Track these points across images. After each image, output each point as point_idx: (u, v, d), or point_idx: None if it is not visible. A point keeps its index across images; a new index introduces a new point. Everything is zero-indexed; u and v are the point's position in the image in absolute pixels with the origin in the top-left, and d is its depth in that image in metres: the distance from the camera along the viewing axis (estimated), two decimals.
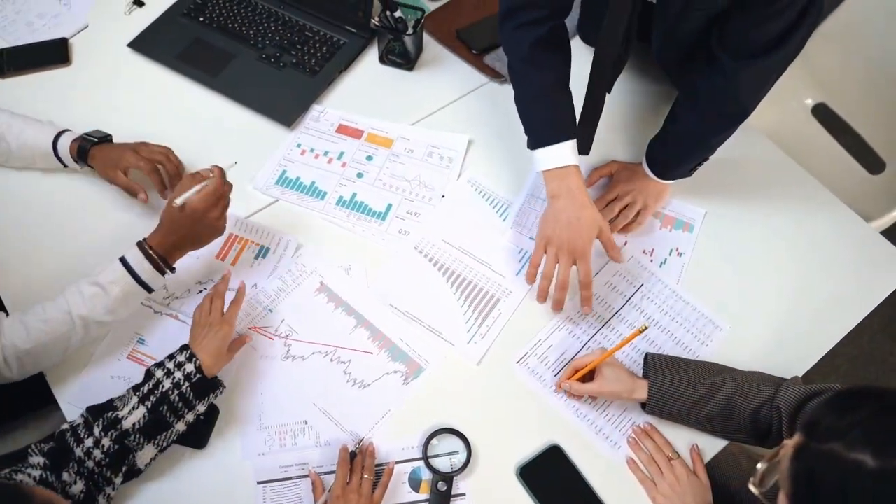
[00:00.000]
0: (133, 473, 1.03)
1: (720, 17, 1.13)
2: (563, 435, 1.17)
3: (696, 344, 1.26)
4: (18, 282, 1.27)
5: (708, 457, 1.16)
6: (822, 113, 1.87)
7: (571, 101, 1.26)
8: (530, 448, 1.15)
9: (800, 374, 1.20)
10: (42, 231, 1.33)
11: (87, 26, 1.59)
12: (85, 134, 1.33)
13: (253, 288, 1.28)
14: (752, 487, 0.80)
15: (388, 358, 1.22)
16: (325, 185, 1.40)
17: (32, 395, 1.14)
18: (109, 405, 1.03)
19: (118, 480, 1.01)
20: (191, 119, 1.47)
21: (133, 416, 1.01)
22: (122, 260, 1.13)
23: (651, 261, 1.34)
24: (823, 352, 1.26)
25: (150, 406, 1.02)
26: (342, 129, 1.47)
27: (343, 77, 1.55)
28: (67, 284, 1.13)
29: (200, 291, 1.27)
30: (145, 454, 1.03)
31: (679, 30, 1.20)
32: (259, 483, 1.12)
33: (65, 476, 0.96)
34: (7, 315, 1.11)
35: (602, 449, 1.16)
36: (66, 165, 1.33)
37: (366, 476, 1.08)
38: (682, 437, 1.17)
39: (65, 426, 1.01)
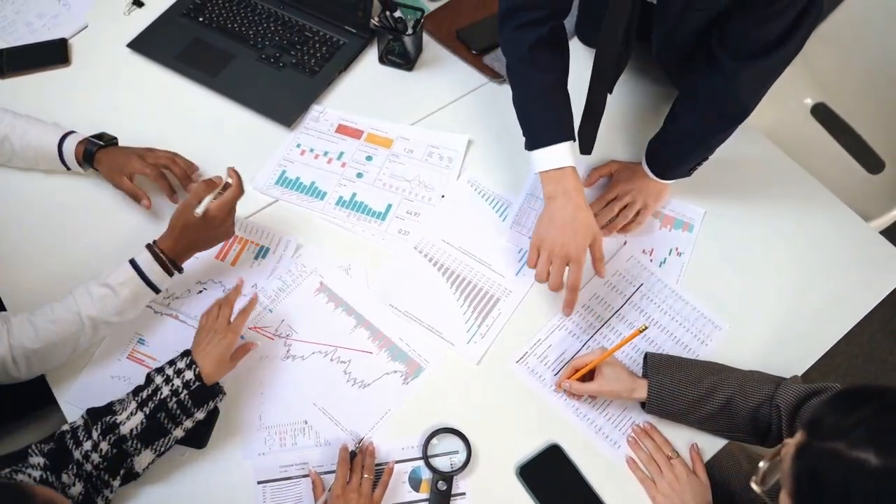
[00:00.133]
0: (131, 477, 1.03)
1: (720, 18, 1.13)
2: (563, 434, 1.17)
3: (695, 343, 1.26)
4: (19, 282, 1.27)
5: (707, 456, 1.16)
6: (822, 113, 1.87)
7: (569, 102, 1.26)
8: (530, 447, 1.16)
9: (799, 374, 1.20)
10: (44, 232, 1.33)
11: (86, 26, 1.59)
12: (91, 137, 1.33)
13: (253, 288, 1.28)
14: (754, 486, 0.80)
15: (387, 358, 1.22)
16: (325, 186, 1.40)
17: (33, 394, 1.14)
18: (109, 409, 1.03)
19: (116, 483, 1.01)
20: (190, 119, 1.47)
21: (131, 421, 1.01)
22: (132, 262, 1.14)
23: (651, 260, 1.34)
24: (823, 351, 1.26)
25: (147, 412, 1.02)
26: (342, 130, 1.47)
27: (343, 77, 1.55)
28: (74, 285, 1.13)
29: (200, 291, 1.27)
30: (143, 459, 1.02)
31: (679, 30, 1.20)
32: (259, 483, 1.12)
33: (64, 478, 0.96)
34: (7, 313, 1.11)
35: (602, 448, 1.16)
36: (68, 168, 1.33)
37: (366, 475, 1.08)
38: (681, 437, 1.17)
39: (65, 427, 1.02)
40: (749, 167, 1.45)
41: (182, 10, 1.60)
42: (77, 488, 0.97)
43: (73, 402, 1.16)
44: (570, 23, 1.45)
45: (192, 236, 1.16)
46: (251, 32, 1.57)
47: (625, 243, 1.36)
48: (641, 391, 1.13)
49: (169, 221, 1.17)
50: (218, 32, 1.58)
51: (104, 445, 0.99)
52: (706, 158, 1.33)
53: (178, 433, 1.04)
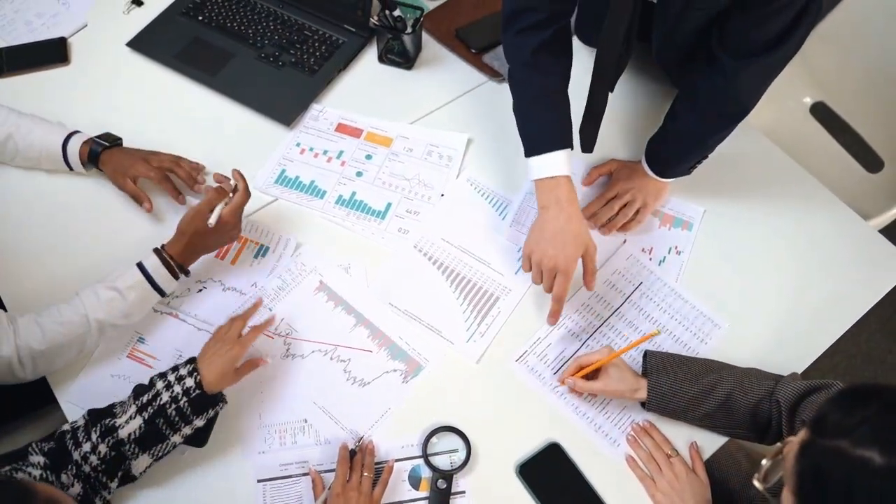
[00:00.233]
0: (128, 479, 1.03)
1: (720, 17, 1.13)
2: (563, 433, 1.17)
3: (695, 342, 1.26)
4: (21, 281, 1.28)
5: (707, 455, 1.17)
6: (821, 112, 1.87)
7: (569, 108, 1.25)
8: (530, 446, 1.16)
9: (798, 372, 1.20)
10: (45, 231, 1.33)
11: (85, 25, 1.59)
12: (96, 137, 1.33)
13: (252, 287, 1.28)
14: (756, 483, 0.80)
15: (387, 356, 1.22)
16: (325, 184, 1.40)
17: (33, 394, 1.15)
18: (109, 411, 1.03)
19: (113, 485, 1.01)
20: (190, 118, 1.47)
21: (129, 425, 1.01)
22: (140, 266, 1.15)
23: (650, 259, 1.34)
24: (822, 350, 1.26)
25: (146, 417, 1.02)
26: (341, 128, 1.47)
27: (342, 76, 1.55)
28: (81, 287, 1.14)
29: (200, 290, 1.27)
30: (140, 463, 1.02)
31: (679, 30, 1.20)
32: (259, 481, 1.12)
33: (63, 478, 0.96)
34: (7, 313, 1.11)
35: (601, 447, 1.16)
36: (71, 168, 1.33)
37: (366, 474, 1.08)
38: (681, 435, 1.17)
39: (65, 427, 1.02)
40: (748, 166, 1.46)
41: (181, 9, 1.60)
42: (76, 489, 0.97)
43: (74, 401, 1.16)
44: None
45: (200, 242, 1.19)
46: (250, 31, 1.57)
47: (624, 242, 1.36)
48: (644, 391, 1.14)
49: (177, 226, 1.18)
50: (217, 31, 1.58)
51: (102, 448, 0.99)
52: (706, 157, 1.33)
53: (177, 439, 1.04)
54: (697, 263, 1.34)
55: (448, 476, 1.11)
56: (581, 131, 1.31)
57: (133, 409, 1.02)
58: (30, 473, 0.93)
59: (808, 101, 1.88)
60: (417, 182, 1.41)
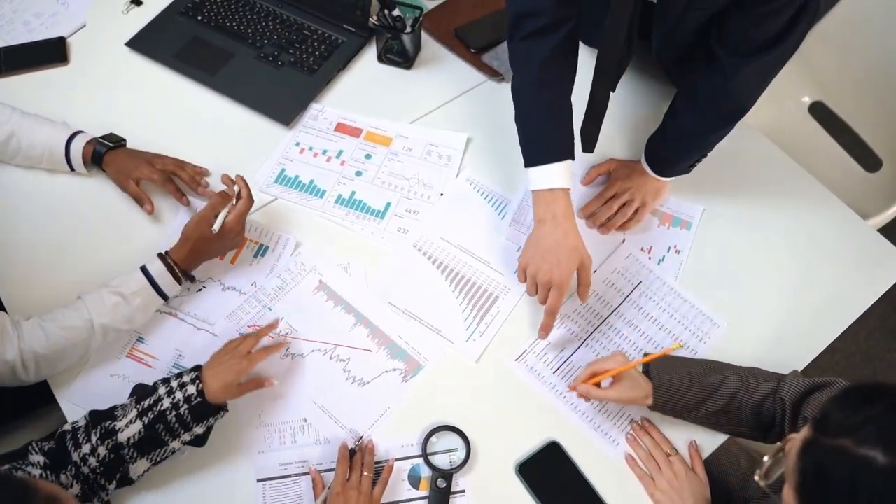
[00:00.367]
0: (126, 482, 1.03)
1: (719, 16, 1.13)
2: (562, 432, 1.17)
3: (694, 341, 1.26)
4: (21, 281, 1.28)
5: (706, 453, 1.17)
6: (819, 111, 1.87)
7: (571, 118, 1.24)
8: (529, 445, 1.16)
9: (798, 371, 1.21)
10: (46, 231, 1.33)
11: (84, 25, 1.59)
12: (100, 138, 1.33)
13: (252, 286, 1.28)
14: (757, 479, 0.80)
15: (387, 356, 1.23)
16: (324, 184, 1.40)
17: (33, 394, 1.15)
18: (110, 413, 1.03)
19: (111, 487, 1.01)
20: (189, 118, 1.47)
21: (129, 429, 1.01)
22: (144, 271, 1.15)
23: (649, 258, 1.34)
24: (821, 348, 1.26)
25: (146, 422, 1.02)
26: (341, 128, 1.48)
27: (341, 76, 1.55)
28: (84, 291, 1.14)
29: (200, 290, 1.27)
30: (138, 467, 1.02)
31: (679, 29, 1.20)
32: (259, 481, 1.12)
33: (63, 478, 0.96)
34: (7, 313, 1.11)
35: (601, 446, 1.17)
36: (72, 169, 1.33)
37: (365, 473, 1.08)
38: (680, 434, 1.17)
39: (66, 427, 1.02)
40: (747, 165, 1.46)
41: (180, 9, 1.60)
42: (75, 489, 0.97)
43: (73, 401, 1.16)
44: None
45: (205, 247, 1.20)
46: (250, 31, 1.57)
47: (623, 241, 1.36)
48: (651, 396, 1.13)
49: (181, 232, 1.19)
50: (216, 31, 1.58)
51: (102, 450, 0.99)
52: (705, 155, 1.33)
53: (176, 445, 1.04)
54: (696, 262, 1.34)
55: (448, 475, 1.11)
56: (582, 131, 1.31)
57: (134, 413, 1.02)
58: (29, 473, 0.93)
59: (807, 100, 1.88)
60: (417, 181, 1.41)
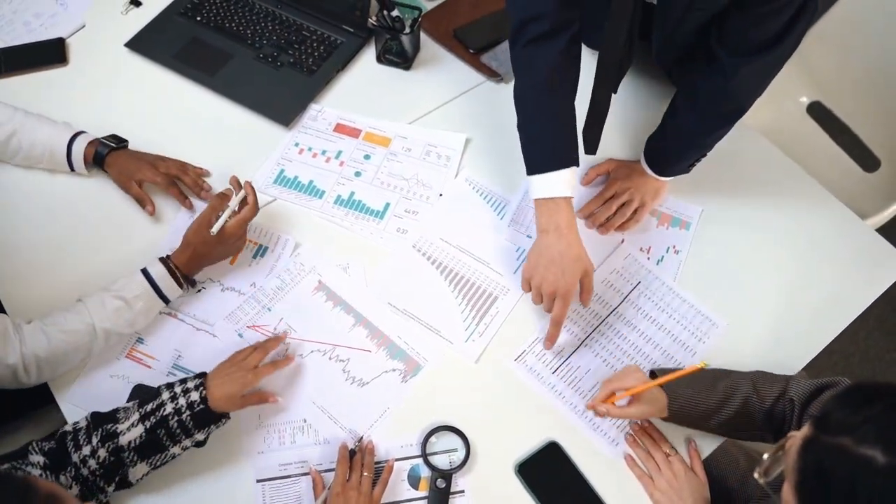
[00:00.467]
0: (125, 485, 1.03)
1: (719, 17, 1.13)
2: (561, 432, 1.17)
3: (693, 341, 1.26)
4: (20, 281, 1.28)
5: (705, 453, 1.17)
6: (818, 111, 1.87)
7: (575, 124, 1.24)
8: (528, 445, 1.16)
9: (796, 371, 1.21)
10: (45, 231, 1.33)
11: (83, 26, 1.59)
12: (103, 139, 1.33)
13: (251, 287, 1.28)
14: (757, 477, 0.80)
15: (386, 356, 1.23)
16: (323, 184, 1.40)
17: (33, 394, 1.15)
18: (112, 415, 1.03)
19: (110, 489, 1.01)
20: (188, 118, 1.48)
21: (131, 433, 1.01)
22: (146, 275, 1.16)
23: (648, 258, 1.35)
24: (820, 348, 1.27)
25: (148, 427, 1.01)
26: (340, 129, 1.48)
27: (340, 76, 1.55)
28: (84, 294, 1.14)
29: (199, 290, 1.27)
30: (137, 471, 1.03)
31: (679, 30, 1.20)
32: (258, 481, 1.12)
33: (62, 479, 0.96)
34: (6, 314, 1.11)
35: (600, 446, 1.17)
36: (73, 169, 1.33)
37: (365, 474, 1.08)
38: (679, 434, 1.17)
39: (67, 427, 1.02)
40: (746, 165, 1.46)
41: (179, 10, 1.60)
42: (74, 490, 0.97)
43: (73, 402, 1.16)
44: None
45: (206, 252, 1.20)
46: (249, 32, 1.57)
47: (622, 241, 1.36)
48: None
49: (183, 236, 1.20)
50: (215, 32, 1.58)
51: (102, 452, 0.99)
52: (704, 155, 1.33)
53: (176, 451, 1.04)
54: (695, 262, 1.34)
55: (447, 475, 1.11)
56: (584, 133, 1.30)
57: (136, 416, 1.02)
58: (29, 473, 0.93)
59: (805, 100, 1.89)
60: (416, 182, 1.41)
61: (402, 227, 1.36)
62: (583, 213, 1.38)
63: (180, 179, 1.34)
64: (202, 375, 1.08)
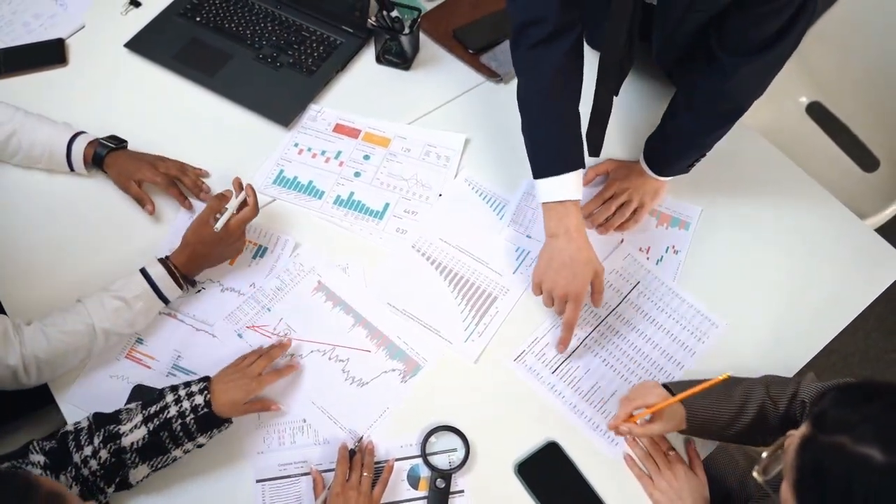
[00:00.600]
0: (125, 486, 1.04)
1: (719, 17, 1.13)
2: (561, 432, 1.17)
3: (692, 341, 1.26)
4: (19, 283, 1.28)
5: (704, 453, 1.17)
6: (817, 111, 1.87)
7: (580, 126, 1.24)
8: (528, 445, 1.16)
9: (795, 371, 1.21)
10: (44, 232, 1.33)
11: (83, 26, 1.59)
12: (102, 139, 1.34)
13: (251, 287, 1.28)
14: (755, 475, 0.80)
15: (386, 356, 1.23)
16: (323, 185, 1.40)
17: (33, 394, 1.15)
18: (115, 416, 1.03)
19: (110, 490, 1.02)
20: (188, 119, 1.48)
21: (133, 434, 1.01)
22: (146, 275, 1.16)
23: (647, 258, 1.35)
24: (819, 348, 1.27)
25: (151, 429, 1.02)
26: (339, 129, 1.48)
27: (340, 77, 1.55)
28: (84, 294, 1.14)
29: (199, 291, 1.27)
30: (139, 472, 1.03)
31: (679, 30, 1.20)
32: (258, 481, 1.12)
33: (62, 479, 0.96)
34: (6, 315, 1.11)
35: (599, 445, 1.17)
36: (72, 169, 1.33)
37: (365, 474, 1.08)
38: (678, 434, 1.17)
39: (69, 427, 1.02)
40: (745, 165, 1.46)
41: (179, 10, 1.60)
42: (73, 491, 0.97)
43: (73, 402, 1.16)
44: None
45: (205, 252, 1.20)
46: (248, 32, 1.58)
47: (622, 241, 1.36)
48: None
49: (182, 237, 1.20)
50: (215, 32, 1.58)
51: (104, 453, 0.99)
52: (703, 155, 1.33)
53: (178, 454, 1.04)
54: (694, 262, 1.34)
55: (447, 475, 1.11)
56: (587, 135, 1.30)
57: (139, 418, 1.02)
58: (30, 471, 0.93)
59: (805, 100, 1.89)
60: (415, 182, 1.41)
61: (402, 227, 1.36)
62: (582, 213, 1.37)
63: (180, 180, 1.34)
64: (206, 379, 1.08)
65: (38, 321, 1.11)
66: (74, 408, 1.15)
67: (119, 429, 1.01)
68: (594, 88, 1.24)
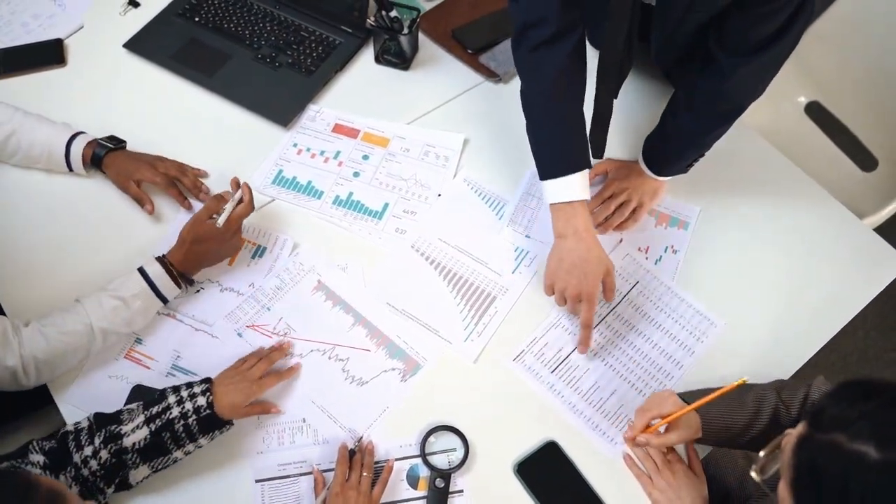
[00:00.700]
0: (124, 486, 1.03)
1: (718, 17, 1.13)
2: (560, 431, 1.17)
3: (691, 340, 1.26)
4: (19, 283, 1.28)
5: (704, 452, 1.17)
6: (816, 111, 1.88)
7: (585, 128, 1.25)
8: (527, 444, 1.16)
9: (794, 370, 1.21)
10: (43, 232, 1.33)
11: (82, 27, 1.59)
12: (101, 140, 1.34)
13: (250, 287, 1.28)
14: (753, 475, 0.80)
15: (385, 355, 1.23)
16: (322, 185, 1.40)
17: (32, 394, 1.15)
18: (116, 417, 1.03)
19: (109, 491, 1.01)
20: (187, 119, 1.48)
21: (135, 435, 1.01)
22: (143, 273, 1.16)
23: (646, 258, 1.35)
24: (817, 347, 1.27)
25: (153, 429, 1.02)
26: (338, 129, 1.48)
27: (339, 77, 1.55)
28: (82, 294, 1.14)
29: (198, 291, 1.27)
30: (139, 473, 1.03)
31: (679, 31, 1.20)
32: (257, 481, 1.12)
33: (62, 479, 0.96)
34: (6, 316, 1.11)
35: (599, 445, 1.17)
36: (71, 170, 1.33)
37: (365, 474, 1.08)
38: None
39: (69, 427, 1.02)
40: (744, 165, 1.46)
41: (178, 10, 1.60)
42: (73, 490, 0.97)
43: (72, 403, 1.16)
44: None
45: (201, 249, 1.19)
46: (247, 32, 1.58)
47: (620, 241, 1.36)
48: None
49: (178, 235, 1.20)
50: (214, 32, 1.58)
51: (104, 454, 0.99)
52: (702, 155, 1.33)
53: (179, 455, 1.04)
54: (693, 262, 1.34)
55: (446, 475, 1.12)
56: (590, 138, 1.30)
57: (141, 418, 1.02)
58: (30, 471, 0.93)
59: (803, 100, 1.89)
60: (414, 182, 1.41)
61: (401, 227, 1.36)
62: None
63: (179, 180, 1.34)
64: (207, 381, 1.09)
65: (36, 322, 1.11)
66: (74, 408, 1.15)
67: (120, 429, 1.00)
68: (595, 91, 1.24)
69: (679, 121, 1.29)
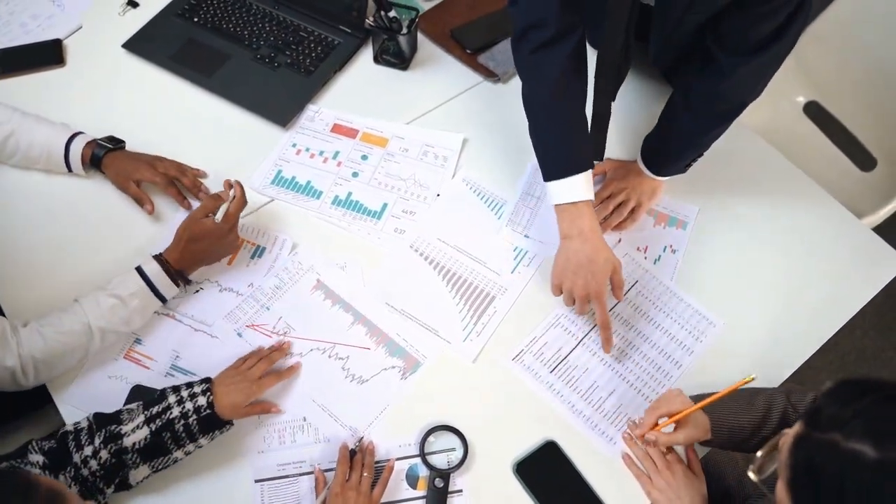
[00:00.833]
0: (124, 487, 1.03)
1: (717, 17, 1.14)
2: (559, 431, 1.17)
3: (690, 340, 1.27)
4: (18, 283, 1.27)
5: (703, 452, 1.17)
6: (814, 111, 1.88)
7: (587, 128, 1.25)
8: (526, 444, 1.16)
9: (793, 370, 1.21)
10: (43, 232, 1.33)
11: (80, 27, 1.59)
12: (99, 140, 1.34)
13: (249, 287, 1.28)
14: (751, 474, 0.80)
15: (385, 353, 1.23)
16: (321, 185, 1.40)
17: (32, 394, 1.15)
18: (116, 417, 1.03)
19: (109, 491, 1.01)
20: (186, 119, 1.48)
21: (135, 435, 1.01)
22: (141, 272, 1.16)
23: (645, 258, 1.35)
24: (816, 347, 1.27)
25: (153, 429, 1.02)
26: (337, 129, 1.48)
27: (338, 77, 1.55)
28: (81, 294, 1.14)
29: (197, 291, 1.27)
30: (139, 473, 1.03)
31: (678, 32, 1.20)
32: (257, 481, 1.12)
33: (61, 479, 0.96)
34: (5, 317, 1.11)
35: (598, 444, 1.17)
36: (70, 170, 1.33)
37: (365, 474, 1.08)
38: None
39: (68, 427, 1.01)
40: (743, 165, 1.46)
41: (177, 11, 1.60)
42: (73, 490, 0.96)
43: (72, 403, 1.16)
44: None
45: (197, 248, 1.19)
46: (246, 32, 1.58)
47: (619, 241, 1.36)
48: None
49: (175, 234, 1.19)
50: (213, 32, 1.58)
51: (104, 454, 0.99)
52: (701, 155, 1.34)
53: (179, 455, 1.04)
54: (692, 262, 1.35)
55: (445, 475, 1.12)
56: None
57: (141, 418, 1.02)
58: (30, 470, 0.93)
59: (802, 100, 1.89)
60: (413, 182, 1.41)
61: (400, 227, 1.36)
62: None
63: (178, 180, 1.34)
64: (207, 381, 1.09)
65: (34, 322, 1.11)
66: (73, 408, 1.15)
67: (121, 429, 1.00)
68: (593, 93, 1.24)
69: (678, 121, 1.29)
